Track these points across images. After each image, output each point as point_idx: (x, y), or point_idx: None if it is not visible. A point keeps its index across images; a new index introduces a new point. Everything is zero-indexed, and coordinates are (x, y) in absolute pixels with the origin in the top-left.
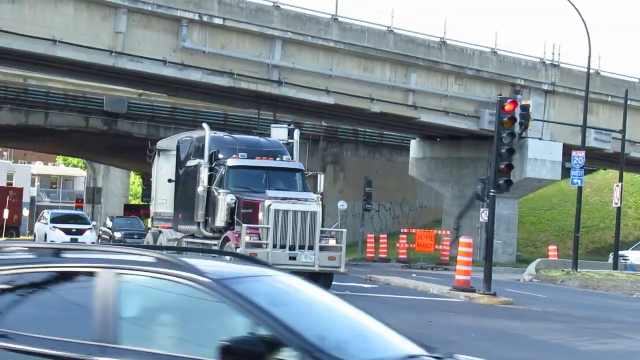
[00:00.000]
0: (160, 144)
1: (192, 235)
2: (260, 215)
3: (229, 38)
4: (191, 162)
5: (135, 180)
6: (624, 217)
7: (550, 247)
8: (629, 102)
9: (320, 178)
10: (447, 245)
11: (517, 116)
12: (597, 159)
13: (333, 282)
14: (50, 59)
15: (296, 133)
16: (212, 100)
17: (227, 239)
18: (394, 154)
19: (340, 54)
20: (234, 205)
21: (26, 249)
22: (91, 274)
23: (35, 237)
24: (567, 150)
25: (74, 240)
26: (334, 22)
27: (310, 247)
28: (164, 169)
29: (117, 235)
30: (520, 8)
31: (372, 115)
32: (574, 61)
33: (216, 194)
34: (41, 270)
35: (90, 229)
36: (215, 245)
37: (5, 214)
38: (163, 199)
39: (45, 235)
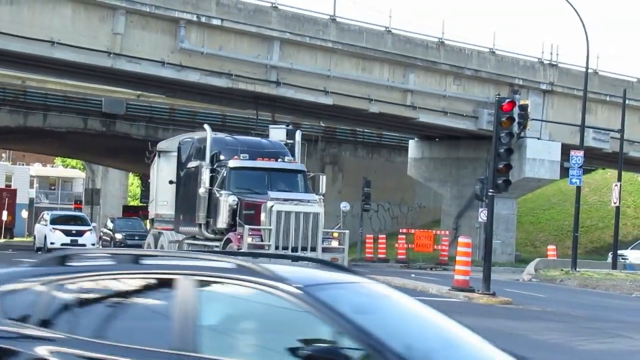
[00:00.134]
0: (161, 145)
1: (194, 237)
2: (263, 217)
3: (227, 39)
4: (192, 164)
5: (133, 181)
6: (622, 217)
7: (549, 247)
8: (627, 102)
9: (322, 179)
10: (446, 246)
11: (516, 116)
12: (595, 159)
13: None
14: (49, 61)
15: (298, 134)
16: (211, 101)
17: (229, 241)
18: (393, 154)
19: (339, 55)
20: (235, 206)
21: (108, 255)
22: (171, 280)
23: (35, 238)
24: (566, 150)
25: (74, 242)
26: (332, 23)
27: (313, 249)
28: (164, 171)
29: (118, 236)
30: (518, 9)
31: (370, 116)
32: (572, 61)
33: (218, 195)
34: (120, 278)
35: (91, 230)
36: (217, 246)
37: (4, 215)
38: (164, 201)
39: (45, 236)
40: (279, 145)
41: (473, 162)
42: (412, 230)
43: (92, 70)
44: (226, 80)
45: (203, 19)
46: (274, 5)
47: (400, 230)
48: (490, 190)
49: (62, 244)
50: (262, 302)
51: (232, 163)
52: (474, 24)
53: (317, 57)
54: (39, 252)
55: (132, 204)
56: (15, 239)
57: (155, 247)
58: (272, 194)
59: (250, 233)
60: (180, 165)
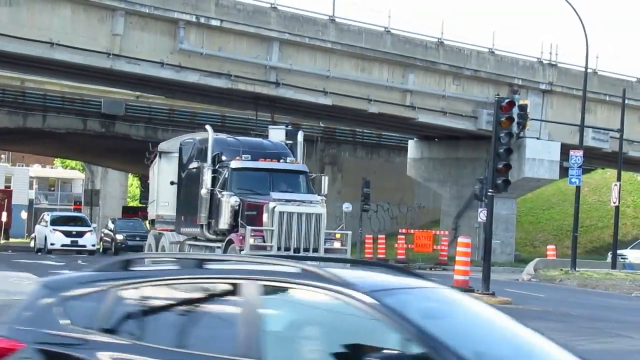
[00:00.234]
0: (162, 146)
1: (195, 238)
2: (265, 218)
3: (227, 39)
4: (194, 164)
5: (133, 182)
6: (622, 216)
7: (549, 247)
8: (626, 102)
9: (324, 180)
10: (445, 246)
11: (515, 116)
12: (595, 159)
13: None
14: (48, 62)
15: (300, 134)
16: (210, 102)
17: (230, 242)
18: (392, 155)
19: (338, 55)
20: (237, 207)
21: (172, 259)
22: (235, 285)
23: (35, 239)
24: (565, 149)
25: (74, 243)
26: (331, 23)
27: (315, 250)
28: (165, 171)
29: (119, 237)
30: (518, 9)
31: (369, 116)
32: (572, 61)
33: (220, 196)
34: (184, 283)
35: (91, 231)
36: (218, 247)
37: (4, 217)
38: (165, 202)
39: (46, 237)
40: (281, 145)
41: (472, 162)
42: (412, 231)
43: (91, 71)
44: (225, 81)
45: (202, 20)
46: (273, 5)
47: (400, 231)
48: (490, 190)
49: (62, 245)
50: (328, 308)
51: (234, 164)
52: (473, 24)
53: (317, 57)
54: (39, 253)
55: (131, 204)
56: (12, 240)
57: (157, 248)
58: (275, 195)
59: (252, 234)
60: (182, 166)
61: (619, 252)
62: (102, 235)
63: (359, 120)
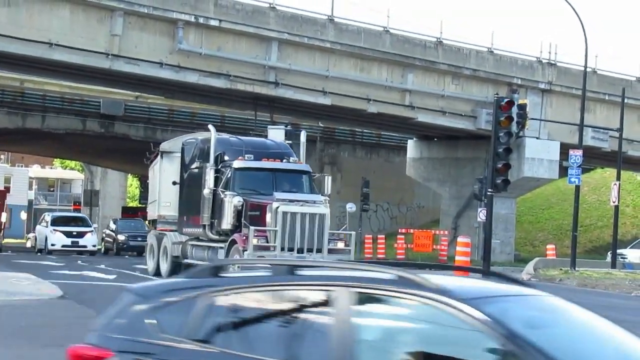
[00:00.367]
0: (164, 146)
1: (197, 238)
2: (268, 218)
3: (226, 40)
4: (196, 164)
5: (132, 182)
6: (621, 216)
7: (548, 246)
8: (626, 101)
9: (327, 180)
10: (445, 245)
11: (514, 115)
12: (594, 158)
13: None
14: (47, 62)
15: (302, 134)
16: (209, 102)
17: (233, 242)
18: (392, 155)
19: (337, 55)
20: (240, 207)
21: (262, 265)
22: (328, 293)
23: (36, 240)
24: (565, 149)
25: (74, 244)
26: (330, 23)
27: (319, 250)
28: (167, 171)
29: (121, 237)
30: (516, 9)
31: (369, 116)
32: (571, 60)
33: (222, 196)
34: (276, 290)
35: (92, 231)
36: (221, 248)
37: (4, 217)
38: (167, 202)
39: (46, 238)
40: (284, 145)
41: (472, 162)
42: (411, 230)
43: (91, 72)
44: (225, 81)
45: (201, 20)
46: (272, 5)
47: (400, 231)
48: (489, 190)
49: (63, 246)
50: (424, 316)
51: (236, 164)
52: (472, 24)
53: (316, 57)
54: (39, 254)
55: (131, 205)
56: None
57: (158, 248)
58: (278, 195)
59: (255, 234)
60: (184, 166)
61: (618, 251)
62: (104, 235)
63: (358, 120)
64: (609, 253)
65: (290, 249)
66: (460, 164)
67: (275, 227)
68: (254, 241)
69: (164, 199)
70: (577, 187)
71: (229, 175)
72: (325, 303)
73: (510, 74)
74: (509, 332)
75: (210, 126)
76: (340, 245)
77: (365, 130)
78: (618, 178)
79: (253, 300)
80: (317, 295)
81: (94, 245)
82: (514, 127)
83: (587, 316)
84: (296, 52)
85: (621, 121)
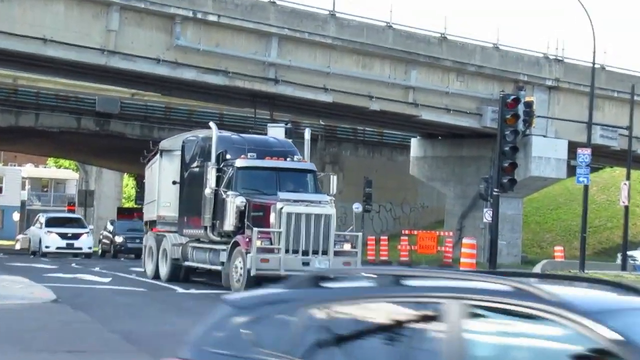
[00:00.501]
0: (164, 144)
1: (198, 240)
2: (272, 219)
3: (224, 35)
4: (197, 163)
5: (128, 182)
6: (632, 216)
7: (557, 248)
8: (635, 98)
9: (333, 179)
10: (450, 247)
11: (521, 113)
12: (603, 157)
13: None
14: (41, 59)
15: (307, 132)
16: (207, 100)
17: (236, 244)
18: (394, 153)
19: (338, 51)
20: (243, 208)
21: (368, 275)
22: (438, 305)
23: (30, 242)
24: (573, 147)
25: (69, 246)
26: (332, 18)
27: (325, 252)
28: (167, 170)
29: (119, 239)
30: (521, 9)
31: (371, 114)
32: (579, 56)
33: (224, 196)
34: (381, 301)
35: (87, 232)
36: (223, 250)
37: None
38: (167, 202)
39: (40, 239)
40: (288, 143)
41: (477, 161)
42: (415, 231)
43: (86, 68)
44: (223, 77)
45: (199, 15)
46: (271, 0)
47: (403, 232)
48: (495, 190)
49: (58, 248)
50: (543, 331)
51: (239, 162)
52: (477, 23)
53: (317, 53)
54: (32, 256)
55: (126, 205)
56: None
57: (158, 250)
58: (282, 195)
59: (259, 236)
60: (184, 165)
61: (629, 253)
62: (101, 237)
63: (361, 118)
64: (619, 255)
65: (295, 251)
66: (465, 163)
67: (280, 228)
68: (258, 243)
69: (164, 199)
70: (586, 187)
71: (231, 174)
72: (435, 316)
73: (516, 70)
74: (638, 349)
75: (211, 123)
76: (347, 247)
77: (367, 129)
78: (628, 177)
79: (357, 313)
80: (426, 308)
81: (90, 248)
82: (520, 125)
83: None
84: (296, 48)
85: (631, 119)
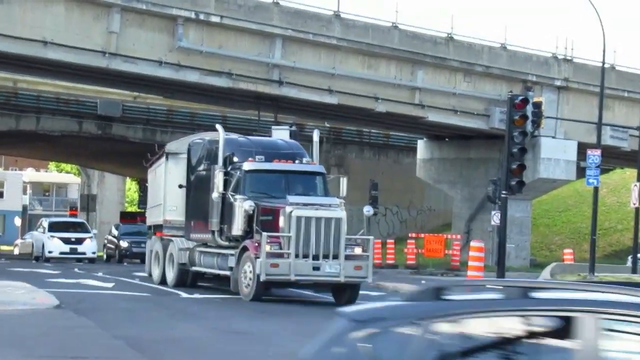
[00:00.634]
0: (170, 147)
1: (205, 245)
2: (281, 223)
3: (227, 37)
4: (204, 166)
5: (131, 186)
6: None
7: (566, 251)
8: None
9: (343, 182)
10: (457, 250)
11: (529, 114)
12: (613, 158)
13: None
14: (41, 61)
15: (316, 133)
16: (210, 102)
17: (245, 249)
18: (401, 155)
19: (343, 52)
20: (252, 212)
21: (493, 287)
22: (571, 319)
23: (33, 246)
24: (582, 148)
25: (73, 251)
26: (336, 19)
27: (335, 257)
28: (173, 174)
29: (124, 244)
30: (529, 7)
31: (377, 115)
32: (588, 56)
33: (232, 200)
34: (509, 316)
35: (91, 237)
36: (232, 255)
37: None
38: (173, 206)
39: (43, 244)
40: (296, 145)
41: (485, 163)
42: (422, 235)
43: (87, 71)
44: (226, 79)
45: (202, 16)
46: (275, 1)
47: (410, 235)
48: (504, 192)
49: (61, 253)
50: None
51: (247, 165)
52: (484, 22)
53: (321, 54)
54: (34, 262)
55: (129, 209)
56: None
57: (164, 255)
58: (291, 199)
59: (268, 240)
60: (191, 168)
61: (639, 255)
62: (106, 242)
63: (366, 119)
64: (629, 257)
65: (305, 256)
66: (473, 165)
67: (289, 232)
68: (267, 248)
69: (170, 202)
70: (596, 189)
71: (239, 177)
72: (568, 332)
73: (524, 70)
74: None
75: (218, 126)
76: (358, 251)
77: (373, 131)
78: (639, 179)
79: (483, 327)
80: (558, 323)
81: (94, 252)
82: (528, 126)
83: None
84: (301, 49)
85: None
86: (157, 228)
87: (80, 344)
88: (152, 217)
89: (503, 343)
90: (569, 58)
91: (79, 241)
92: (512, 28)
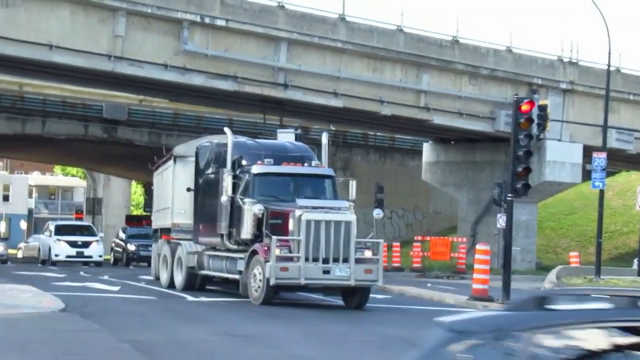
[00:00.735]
0: (178, 150)
1: (214, 248)
2: (291, 226)
3: (233, 40)
4: (212, 170)
5: (137, 189)
6: None
7: (572, 254)
8: None
9: (352, 184)
10: (463, 253)
11: (535, 117)
12: (619, 161)
13: None
14: (47, 65)
15: (324, 136)
16: (216, 105)
17: (254, 252)
18: (406, 159)
19: (349, 55)
20: (261, 215)
21: (607, 297)
22: None
23: (39, 250)
24: (588, 151)
25: (79, 254)
26: (342, 22)
27: (345, 260)
28: (180, 177)
29: (131, 247)
30: (534, 9)
31: (382, 118)
32: (593, 59)
33: (241, 203)
34: (619, 327)
35: (97, 240)
36: (241, 258)
37: (2, 227)
38: (181, 209)
39: (50, 248)
40: (305, 148)
41: (490, 166)
42: (428, 238)
43: (92, 75)
44: (232, 83)
45: (207, 20)
46: (280, 4)
47: (415, 238)
48: (509, 195)
49: (67, 257)
50: None
51: (256, 169)
52: (489, 24)
53: (327, 57)
54: (39, 265)
55: (135, 213)
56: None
57: (172, 258)
58: (301, 202)
59: (278, 244)
60: (199, 171)
61: None
62: (113, 245)
63: (372, 122)
64: (635, 260)
65: (315, 259)
66: (478, 168)
67: (299, 236)
68: (277, 251)
69: (178, 206)
70: (601, 192)
71: (248, 181)
72: None
73: (530, 73)
74: None
75: (226, 129)
76: (368, 254)
77: (378, 134)
78: None
79: (593, 339)
80: None
81: (100, 256)
82: (534, 129)
83: None
84: (306, 53)
85: None
86: (164, 231)
87: (85, 347)
88: (159, 221)
89: (612, 356)
90: (575, 61)
91: (86, 245)
92: (517, 30)
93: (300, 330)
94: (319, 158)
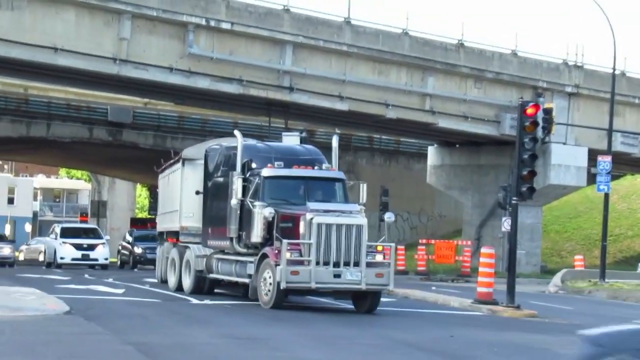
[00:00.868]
0: (186, 153)
1: (223, 252)
2: (302, 230)
3: (238, 43)
4: (221, 173)
5: (141, 192)
6: None
7: (576, 257)
8: None
9: (362, 188)
10: (468, 257)
11: (540, 120)
12: (624, 164)
13: None
14: (52, 68)
15: (335, 139)
16: (221, 108)
17: (265, 256)
18: (411, 162)
19: (354, 58)
20: (272, 219)
21: None
22: None
23: (45, 253)
24: (593, 155)
25: (85, 257)
26: (347, 25)
27: (356, 264)
28: (189, 180)
29: (138, 250)
30: (540, 12)
31: (387, 122)
32: (599, 62)
33: (251, 207)
34: None
35: (103, 243)
36: (250, 262)
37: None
38: (190, 212)
39: (55, 251)
40: (315, 151)
41: (495, 169)
42: (432, 241)
43: (97, 78)
44: (237, 86)
45: (212, 23)
46: (286, 7)
47: (420, 241)
48: (514, 198)
49: (73, 259)
50: None
51: (266, 172)
52: (494, 26)
53: (332, 61)
54: (44, 268)
55: (140, 216)
56: None
57: (181, 262)
58: (311, 205)
59: (288, 248)
60: (208, 174)
61: None
62: (120, 247)
63: (377, 126)
64: (639, 264)
65: (326, 263)
66: (483, 171)
67: (310, 239)
68: (287, 255)
69: (186, 209)
70: (606, 195)
71: (258, 184)
72: None
73: (535, 77)
74: None
75: (236, 132)
76: (379, 258)
77: (383, 137)
78: None
79: None
80: None
81: (106, 259)
82: (539, 133)
83: None
84: (311, 56)
85: None
86: (170, 234)
87: (90, 350)
88: (165, 223)
89: None
90: (580, 64)
91: (92, 247)
92: (522, 32)
93: (306, 333)
94: (329, 161)
